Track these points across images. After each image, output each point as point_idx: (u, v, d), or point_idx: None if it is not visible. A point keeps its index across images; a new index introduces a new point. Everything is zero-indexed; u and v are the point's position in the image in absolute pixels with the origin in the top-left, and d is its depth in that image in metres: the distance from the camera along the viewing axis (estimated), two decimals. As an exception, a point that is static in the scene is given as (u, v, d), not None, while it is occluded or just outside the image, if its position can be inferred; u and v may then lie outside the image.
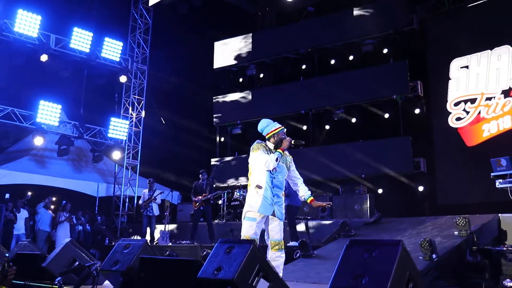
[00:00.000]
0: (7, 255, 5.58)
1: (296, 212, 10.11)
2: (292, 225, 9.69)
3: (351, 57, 15.44)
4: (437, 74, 13.63)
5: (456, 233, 7.39)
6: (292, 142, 5.16)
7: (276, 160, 4.97)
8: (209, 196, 10.86)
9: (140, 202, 12.51)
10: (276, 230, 5.00)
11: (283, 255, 4.96)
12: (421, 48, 14.10)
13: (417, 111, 13.97)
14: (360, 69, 14.94)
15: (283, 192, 5.13)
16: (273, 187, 5.00)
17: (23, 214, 12.31)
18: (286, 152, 5.21)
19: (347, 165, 14.24)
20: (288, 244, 9.33)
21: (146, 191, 12.54)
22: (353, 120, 15.04)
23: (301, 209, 11.98)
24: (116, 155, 15.68)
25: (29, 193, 12.60)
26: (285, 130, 5.25)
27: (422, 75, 13.90)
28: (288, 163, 5.23)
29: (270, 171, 4.98)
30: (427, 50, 14.08)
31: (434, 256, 6.42)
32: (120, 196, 15.86)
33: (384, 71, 14.35)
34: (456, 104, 13.03)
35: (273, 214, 4.99)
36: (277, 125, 5.25)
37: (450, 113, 13.08)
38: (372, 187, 13.47)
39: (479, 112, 12.57)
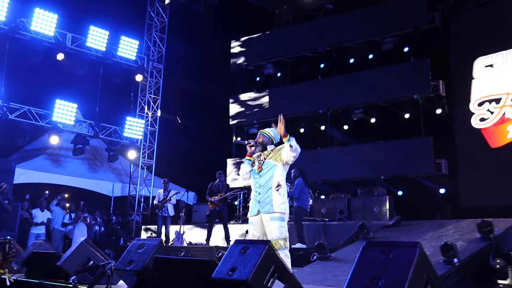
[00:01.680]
0: (8, 237, 5.67)
1: (304, 214, 10.15)
2: (299, 227, 9.71)
3: (370, 56, 15.38)
4: (460, 73, 13.47)
5: (478, 237, 7.29)
6: (236, 141, 5.59)
7: (252, 165, 5.32)
8: (227, 194, 10.89)
9: (155, 202, 12.57)
10: (269, 230, 5.07)
11: (286, 253, 4.98)
12: (443, 46, 13.96)
13: (438, 111, 13.84)
14: (379, 68, 14.86)
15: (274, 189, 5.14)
16: (258, 188, 5.20)
17: (46, 213, 12.48)
18: (269, 150, 5.32)
19: (366, 166, 14.17)
20: (293, 246, 9.37)
21: (161, 191, 12.62)
22: (372, 120, 14.96)
23: (319, 211, 12.00)
24: (132, 154, 15.81)
25: (46, 192, 12.75)
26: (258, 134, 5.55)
27: (444, 74, 13.77)
28: (270, 165, 5.22)
29: (254, 176, 5.28)
30: (449, 48, 13.95)
31: (455, 260, 6.33)
32: (136, 196, 15.99)
33: (404, 70, 14.25)
34: (480, 104, 12.87)
35: (259, 213, 5.15)
36: None
37: (474, 113, 12.93)
38: (391, 189, 13.38)
39: (504, 113, 12.41)
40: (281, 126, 5.06)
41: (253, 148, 5.39)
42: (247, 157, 5.42)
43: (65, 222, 12.75)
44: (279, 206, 5.10)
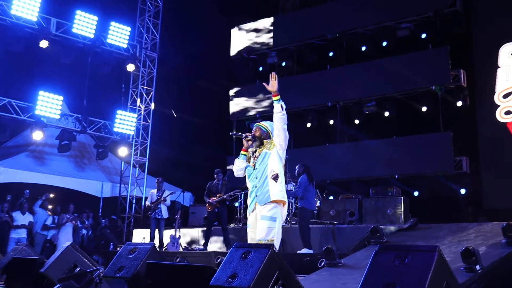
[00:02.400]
0: None
1: (310, 216, 10.11)
2: (304, 230, 9.66)
3: (384, 43, 15.37)
4: (484, 62, 13.44)
5: (503, 241, 7.27)
6: (233, 134, 5.90)
7: (248, 161, 5.41)
8: (224, 196, 10.88)
9: (148, 203, 12.57)
10: (259, 228, 5.13)
11: None
12: (464, 32, 13.92)
13: (459, 103, 13.82)
14: (394, 56, 14.88)
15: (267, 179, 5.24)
16: (254, 181, 5.30)
17: (28, 216, 12.46)
18: (266, 146, 5.39)
19: (379, 164, 14.22)
20: (299, 251, 9.37)
21: (154, 191, 12.61)
22: (386, 113, 14.99)
23: (327, 213, 11.98)
24: (123, 151, 15.82)
25: (27, 191, 12.73)
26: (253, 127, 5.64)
27: (465, 63, 13.75)
28: (262, 155, 5.36)
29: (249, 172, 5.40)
30: (472, 34, 13.90)
31: (477, 267, 6.30)
32: (127, 197, 16.01)
33: (422, 58, 14.25)
34: (506, 95, 12.83)
35: (254, 210, 5.26)
36: None
37: (498, 106, 12.90)
38: (407, 189, 13.36)
39: (532, 105, 12.38)
40: (274, 82, 5.22)
41: (250, 142, 5.44)
42: (242, 152, 5.48)
43: (47, 225, 12.72)
44: (276, 194, 5.15)
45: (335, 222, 11.45)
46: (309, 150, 16.03)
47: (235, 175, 5.54)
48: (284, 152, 5.34)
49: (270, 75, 5.27)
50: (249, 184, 5.39)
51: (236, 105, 17.51)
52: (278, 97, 5.18)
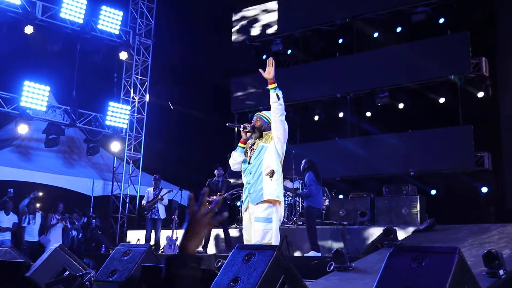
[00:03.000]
0: None
1: (317, 215, 10.14)
2: (311, 231, 9.63)
3: (398, 29, 15.32)
4: (507, 48, 13.41)
5: (528, 243, 7.25)
6: (229, 125, 6.00)
7: (246, 154, 5.42)
8: (225, 195, 10.87)
9: (144, 202, 12.60)
10: (254, 230, 5.12)
11: None
12: (487, 16, 13.84)
13: (480, 94, 13.78)
14: (409, 43, 14.86)
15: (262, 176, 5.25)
16: (248, 177, 5.31)
17: (13, 216, 12.45)
18: (263, 139, 5.40)
19: (393, 160, 14.23)
20: (306, 254, 9.43)
21: (150, 189, 12.63)
22: (401, 105, 14.95)
23: (336, 213, 11.98)
24: (115, 146, 15.81)
25: (11, 190, 12.70)
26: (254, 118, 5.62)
27: (488, 50, 13.70)
28: (258, 148, 5.37)
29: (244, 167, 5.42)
30: (494, 18, 13.84)
31: (501, 272, 6.28)
32: (120, 196, 16.02)
33: (439, 45, 14.18)
34: (530, 85, 12.79)
35: (247, 209, 5.28)
36: None
37: (523, 97, 12.86)
38: (423, 187, 13.35)
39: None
40: (270, 69, 5.18)
41: (248, 134, 5.44)
42: (240, 144, 5.48)
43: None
44: (270, 193, 5.12)
45: (345, 223, 11.46)
46: (316, 145, 16.02)
47: (232, 169, 5.54)
48: (282, 146, 5.32)
49: (267, 60, 5.25)
50: (244, 180, 5.40)
51: (238, 96, 17.48)
52: (275, 85, 5.17)
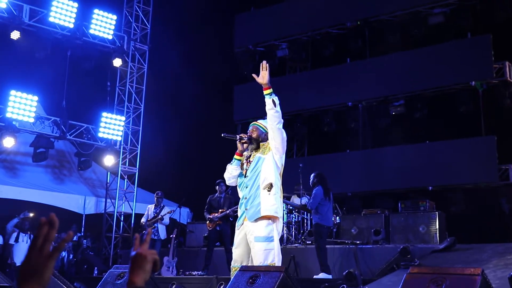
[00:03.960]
0: None
1: (327, 234, 10.08)
2: (321, 251, 9.60)
3: (414, 32, 15.23)
4: (533, 52, 13.39)
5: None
6: (225, 136, 5.74)
7: (241, 165, 5.48)
8: (228, 212, 10.86)
9: (143, 220, 12.58)
10: (252, 252, 5.05)
11: None
12: (510, 17, 13.84)
13: (504, 102, 13.73)
14: (426, 47, 14.83)
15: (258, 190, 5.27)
16: (245, 191, 5.35)
17: None
18: (260, 150, 5.43)
19: (409, 173, 14.20)
20: (316, 276, 9.37)
21: (151, 207, 12.63)
22: (417, 114, 14.88)
23: (348, 231, 11.93)
24: (109, 160, 15.81)
25: None
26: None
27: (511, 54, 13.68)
28: (255, 160, 5.40)
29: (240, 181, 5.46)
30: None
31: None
32: (113, 214, 15.97)
33: (459, 49, 14.21)
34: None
35: (242, 225, 5.30)
36: None
37: (551, 104, 12.84)
38: (442, 202, 13.26)
39: None
40: (265, 73, 5.26)
41: (245, 145, 5.47)
42: (236, 156, 5.53)
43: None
44: (268, 208, 5.13)
45: (358, 242, 11.31)
46: (326, 158, 16.02)
47: (227, 183, 5.64)
48: (281, 157, 5.34)
49: (261, 64, 5.32)
50: (240, 194, 5.44)
51: (241, 105, 17.46)
52: (270, 90, 5.24)
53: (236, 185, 5.51)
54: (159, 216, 12.25)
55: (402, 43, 15.40)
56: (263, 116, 16.24)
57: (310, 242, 11.19)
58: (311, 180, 9.95)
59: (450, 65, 13.97)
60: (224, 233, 10.95)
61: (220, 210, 10.91)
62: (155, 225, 12.28)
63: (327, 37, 16.71)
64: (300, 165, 11.97)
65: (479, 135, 13.60)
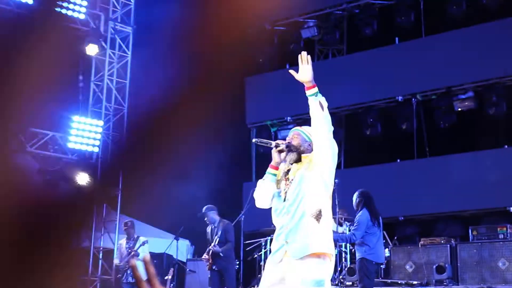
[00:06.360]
0: None
1: (375, 272, 9.97)
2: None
3: (484, 1, 15.03)
4: None
5: None
6: (257, 141, 5.75)
7: (277, 185, 5.37)
8: (213, 248, 10.83)
9: (116, 261, 12.70)
10: None
11: None
12: None
13: None
14: (502, 20, 14.67)
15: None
16: (284, 218, 5.23)
17: None
18: (303, 164, 5.36)
19: (482, 190, 14.11)
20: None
21: (123, 242, 12.77)
22: (491, 110, 14.64)
23: (401, 267, 11.99)
24: (82, 178, 15.51)
25: None
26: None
27: None
28: (298, 178, 5.30)
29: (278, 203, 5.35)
30: None
31: None
32: (90, 249, 15.72)
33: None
34: None
35: (281, 262, 5.14)
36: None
37: None
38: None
39: None
40: (306, 68, 5.25)
41: (282, 154, 5.34)
42: (270, 170, 5.46)
43: None
44: (320, 244, 5.05)
45: (415, 283, 11.48)
46: (369, 170, 16.02)
47: (257, 205, 5.56)
48: (331, 174, 5.32)
49: (299, 56, 5.34)
50: (276, 222, 5.36)
51: (255, 103, 17.29)
52: (315, 89, 5.21)
53: (271, 209, 5.45)
54: (133, 252, 12.20)
55: (470, 15, 15.28)
56: (284, 116, 16.22)
57: (350, 283, 11.17)
58: (354, 201, 9.70)
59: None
60: (226, 273, 10.98)
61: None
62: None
63: (369, 10, 16.67)
64: (336, 180, 11.57)
65: None
